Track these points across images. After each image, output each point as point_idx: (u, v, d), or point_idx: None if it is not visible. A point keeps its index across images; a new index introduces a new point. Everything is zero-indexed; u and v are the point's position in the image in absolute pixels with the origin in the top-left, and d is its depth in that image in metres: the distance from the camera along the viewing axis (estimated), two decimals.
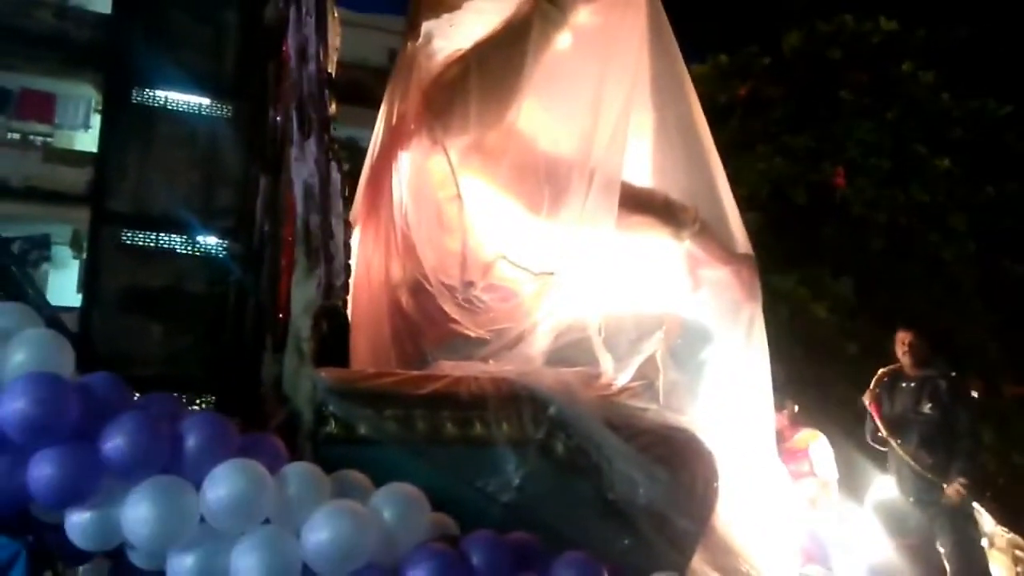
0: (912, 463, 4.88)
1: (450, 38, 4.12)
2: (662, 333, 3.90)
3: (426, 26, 4.27)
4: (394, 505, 2.81)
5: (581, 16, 4.07)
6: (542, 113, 4.12)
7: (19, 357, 2.60)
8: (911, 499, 4.97)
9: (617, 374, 3.72)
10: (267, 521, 2.67)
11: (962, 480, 4.73)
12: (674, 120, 4.20)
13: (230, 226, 3.66)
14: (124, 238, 3.62)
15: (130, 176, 3.77)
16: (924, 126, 12.67)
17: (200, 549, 2.59)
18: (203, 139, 3.68)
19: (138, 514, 2.52)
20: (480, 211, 3.94)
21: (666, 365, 3.93)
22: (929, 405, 4.94)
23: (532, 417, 3.44)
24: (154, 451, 2.58)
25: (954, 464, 4.79)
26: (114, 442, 2.52)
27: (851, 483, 6.16)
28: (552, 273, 3.82)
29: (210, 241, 3.63)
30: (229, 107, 3.68)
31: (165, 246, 3.71)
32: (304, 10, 3.69)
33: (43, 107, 18.99)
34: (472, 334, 3.82)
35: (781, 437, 6.47)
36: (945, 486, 4.78)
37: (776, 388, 5.17)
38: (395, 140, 4.13)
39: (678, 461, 3.53)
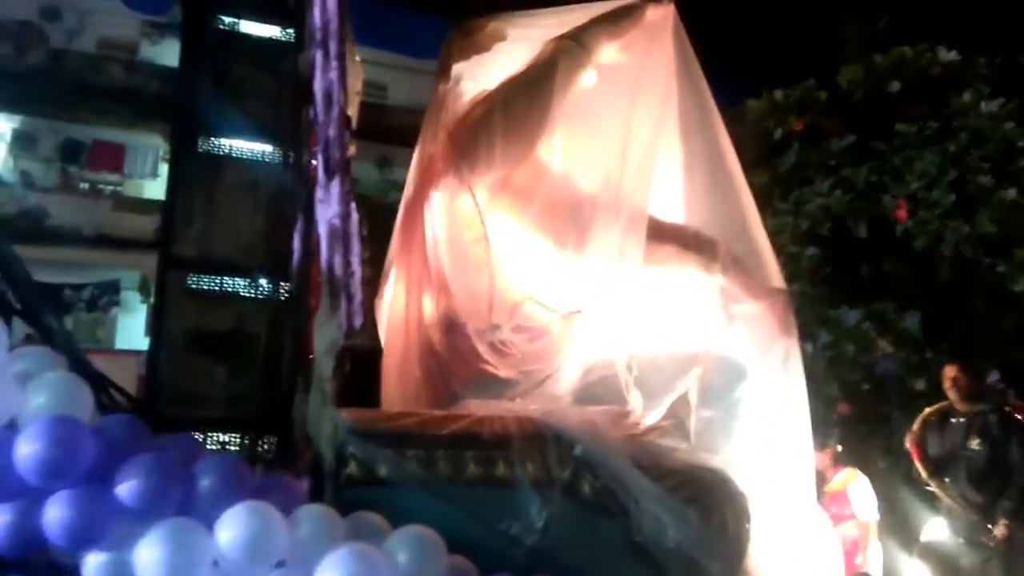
0: (959, 502, 4.69)
1: (478, 79, 4.15)
2: (699, 370, 3.84)
3: (456, 68, 4.30)
4: (409, 547, 2.79)
5: (607, 53, 4.06)
6: (571, 151, 4.11)
7: (38, 400, 2.65)
8: (962, 540, 4.77)
9: (647, 412, 3.66)
10: (282, 564, 2.68)
11: (1005, 521, 4.53)
12: (702, 155, 4.15)
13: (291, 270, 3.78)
14: (190, 282, 3.74)
15: (196, 222, 3.90)
16: (988, 157, 12.40)
17: None
18: (265, 185, 3.80)
19: (151, 557, 2.53)
20: (508, 251, 3.92)
21: (699, 403, 3.85)
22: (977, 441, 4.77)
23: (557, 457, 3.39)
24: (167, 493, 2.60)
25: (1001, 502, 4.59)
26: (127, 484, 2.55)
27: (909, 524, 5.96)
28: (580, 312, 3.78)
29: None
30: (290, 154, 3.78)
31: (229, 290, 3.80)
32: (331, 55, 3.76)
33: (113, 157, 19.69)
34: (502, 375, 3.79)
35: (823, 478, 6.31)
36: (990, 526, 4.58)
37: (821, 426, 5.04)
38: (426, 181, 4.16)
39: (709, 502, 3.44)
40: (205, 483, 2.67)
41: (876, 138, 13.10)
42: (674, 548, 3.35)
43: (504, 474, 3.34)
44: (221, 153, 3.94)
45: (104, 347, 19.14)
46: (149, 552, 2.53)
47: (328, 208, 3.47)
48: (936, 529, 5.12)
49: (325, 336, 3.33)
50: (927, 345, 11.68)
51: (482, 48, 4.31)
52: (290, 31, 3.92)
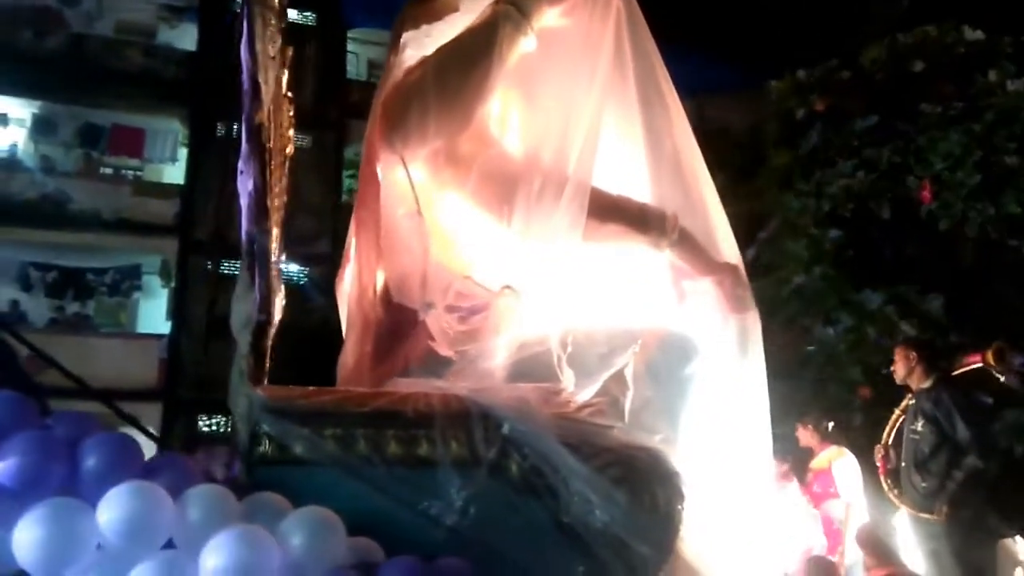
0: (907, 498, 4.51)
1: (424, 48, 4.03)
2: (637, 347, 3.71)
3: (404, 37, 4.19)
4: (305, 529, 2.70)
5: (548, 18, 3.91)
6: (511, 120, 3.99)
7: None
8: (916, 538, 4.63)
9: (580, 390, 3.54)
10: (171, 545, 2.61)
11: (946, 510, 4.35)
12: (654, 127, 4.00)
13: (311, 253, 3.74)
14: (210, 266, 3.70)
15: (215, 206, 3.89)
16: (1014, 136, 12.10)
17: (99, 574, 2.53)
18: (301, 171, 3.74)
19: (31, 537, 2.47)
20: (447, 227, 3.81)
21: (639, 381, 3.73)
22: (921, 423, 4.59)
23: (483, 436, 3.29)
24: (47, 472, 2.54)
25: (947, 485, 4.42)
26: (5, 462, 2.49)
27: None
28: (516, 289, 3.66)
29: (292, 268, 3.67)
30: (308, 137, 3.71)
31: None
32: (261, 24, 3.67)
33: (133, 142, 19.84)
34: (442, 353, 3.70)
35: (810, 455, 6.17)
36: (933, 516, 4.42)
37: (843, 410, 4.89)
38: (370, 155, 4.06)
39: (639, 483, 3.32)
40: (91, 462, 2.60)
41: (900, 118, 12.87)
42: (602, 529, 3.25)
43: (426, 453, 3.25)
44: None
45: (126, 331, 19.41)
46: (28, 532, 2.47)
47: (248, 179, 3.38)
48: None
49: (241, 311, 3.25)
50: (950, 328, 11.46)
51: (433, 17, 4.18)
52: (309, 14, 3.86)
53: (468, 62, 3.76)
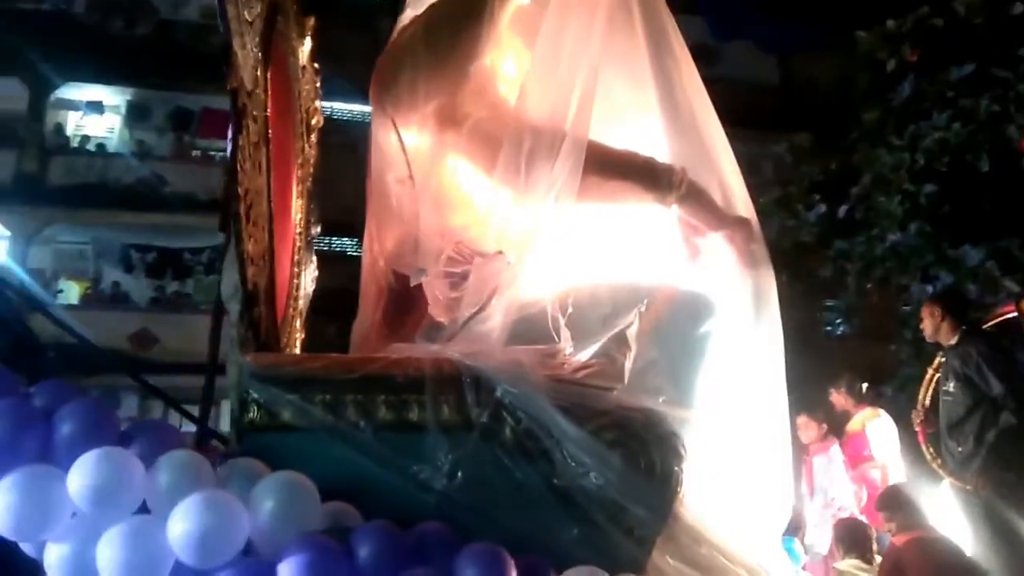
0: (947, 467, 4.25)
1: (416, 5, 3.96)
2: (643, 307, 3.59)
3: None
4: (278, 494, 2.71)
5: None
6: (510, 76, 3.89)
7: None
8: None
9: (578, 351, 3.45)
10: (145, 510, 2.66)
11: (981, 475, 4.05)
12: (662, 80, 3.85)
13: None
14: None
15: None
16: None
17: (74, 539, 2.60)
18: (364, 145, 3.82)
19: (4, 504, 2.55)
20: (438, 192, 3.75)
21: (644, 341, 3.61)
22: (952, 383, 4.29)
23: (475, 399, 3.25)
24: (22, 440, 2.61)
25: (978, 454, 4.11)
26: None
27: None
28: (508, 253, 3.58)
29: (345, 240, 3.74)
30: None
31: (337, 249, 3.86)
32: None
33: (222, 124, 20.36)
34: (439, 319, 3.66)
35: (845, 417, 5.92)
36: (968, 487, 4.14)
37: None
38: (375, 120, 4.03)
39: (634, 445, 3.22)
40: (65, 430, 2.66)
41: (998, 65, 12.24)
42: (597, 493, 3.17)
43: (417, 418, 3.22)
44: (323, 115, 4.16)
45: None
46: (2, 499, 2.55)
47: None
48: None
49: (229, 280, 3.28)
50: None
51: None
52: None
53: (459, 18, 3.67)
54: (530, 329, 3.50)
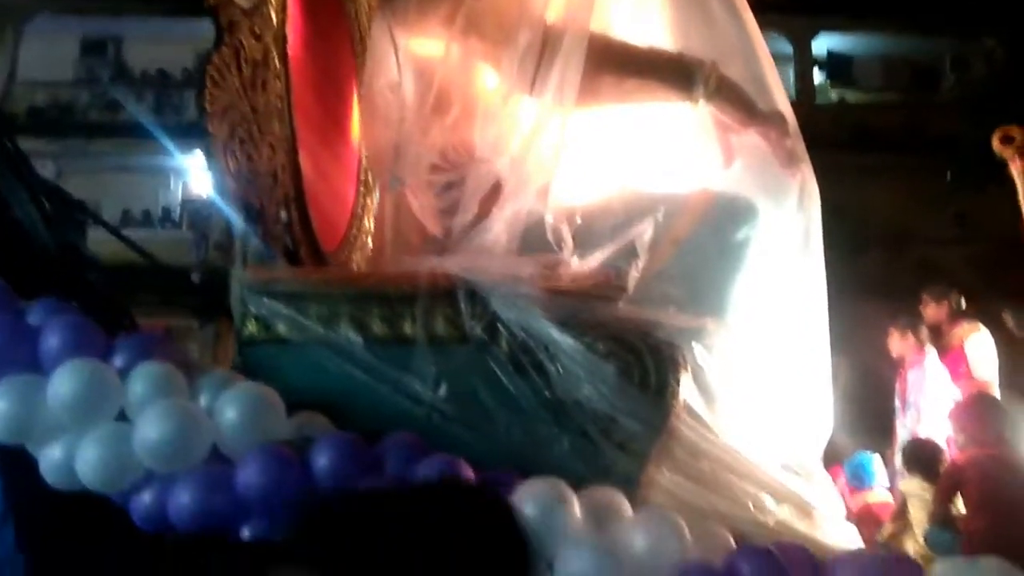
0: None
1: None
2: (660, 215, 3.40)
3: None
4: (240, 405, 2.76)
5: None
6: None
7: None
8: None
9: (584, 262, 3.31)
10: (123, 418, 2.78)
11: None
12: None
13: None
14: None
15: None
16: None
17: (58, 443, 2.75)
18: None
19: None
20: (429, 97, 3.62)
21: (673, 249, 3.44)
22: None
23: (471, 312, 3.19)
24: (13, 351, 2.77)
25: None
26: None
27: None
28: (497, 159, 3.44)
29: None
30: None
31: None
32: None
33: None
34: (431, 231, 3.60)
35: (938, 333, 5.43)
36: None
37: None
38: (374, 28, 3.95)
39: (629, 358, 3.09)
40: (52, 342, 2.80)
41: None
42: (590, 406, 3.07)
43: (411, 332, 3.20)
44: None
45: None
46: None
47: None
48: None
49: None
50: None
51: None
52: None
53: None
54: (534, 240, 3.40)
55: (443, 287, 3.22)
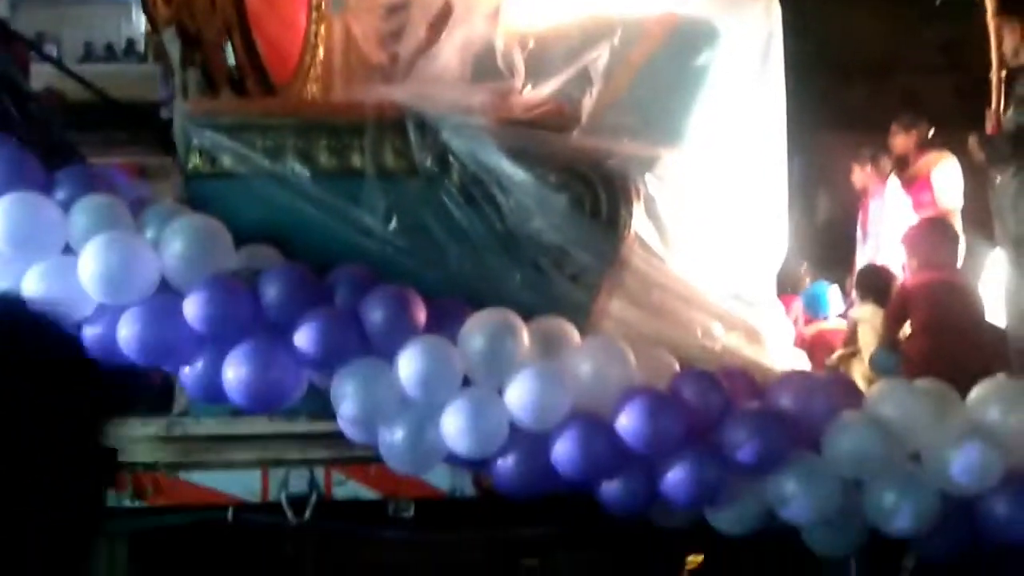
0: None
1: None
2: (616, 40, 3.29)
3: None
4: (185, 236, 2.73)
5: None
6: None
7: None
8: None
9: (536, 89, 3.23)
10: (69, 250, 2.75)
11: None
12: None
13: None
14: None
15: None
16: None
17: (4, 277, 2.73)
18: None
19: None
20: None
21: (631, 76, 3.35)
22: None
23: (420, 144, 3.13)
24: None
25: None
26: None
27: None
28: None
29: None
30: None
31: None
32: None
33: None
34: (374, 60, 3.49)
35: (905, 163, 5.42)
36: None
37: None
38: None
39: (581, 188, 3.05)
40: None
41: None
42: (541, 238, 3.06)
43: (360, 164, 3.14)
44: None
45: None
46: None
47: None
48: None
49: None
50: None
51: None
52: None
53: None
54: (484, 67, 3.30)
55: (392, 117, 3.13)
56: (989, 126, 4.05)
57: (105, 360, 2.75)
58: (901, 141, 5.40)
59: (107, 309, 2.70)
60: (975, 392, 2.70)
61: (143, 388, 3.34)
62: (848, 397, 2.69)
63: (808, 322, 5.54)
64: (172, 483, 2.91)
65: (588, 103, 3.22)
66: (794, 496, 2.52)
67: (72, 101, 4.85)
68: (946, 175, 5.16)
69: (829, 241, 6.90)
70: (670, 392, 2.60)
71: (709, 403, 2.57)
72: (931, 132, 5.40)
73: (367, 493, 2.92)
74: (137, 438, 2.96)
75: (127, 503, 2.88)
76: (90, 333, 2.72)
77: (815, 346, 5.08)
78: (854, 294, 4.99)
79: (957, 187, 5.12)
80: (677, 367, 2.74)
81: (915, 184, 5.30)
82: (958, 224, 5.03)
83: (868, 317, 4.49)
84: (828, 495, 2.54)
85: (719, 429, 2.55)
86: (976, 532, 2.61)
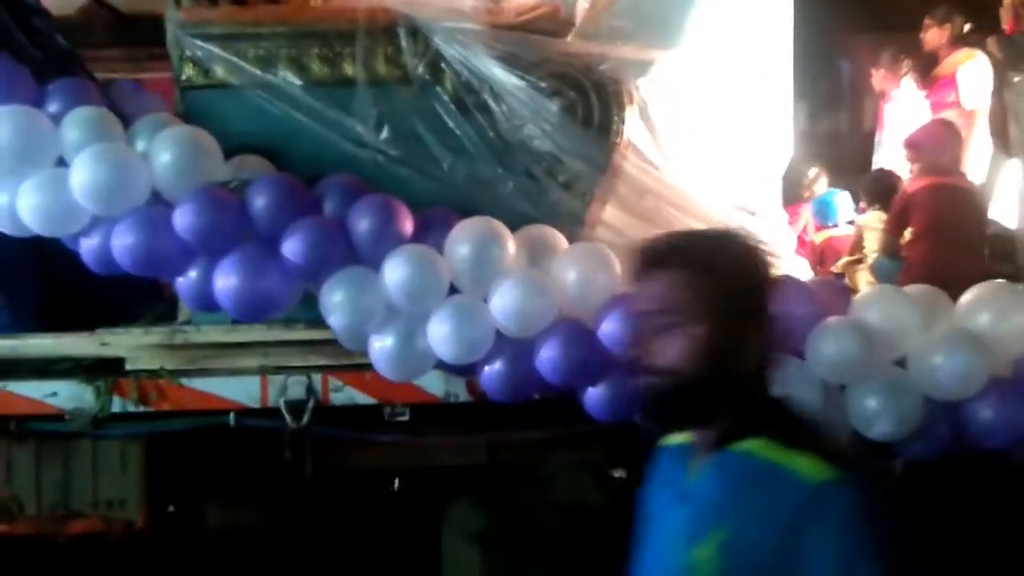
0: None
1: None
2: None
3: None
4: (174, 147, 2.75)
5: None
6: None
7: None
8: None
9: None
10: (62, 163, 2.78)
11: None
12: None
13: None
14: None
15: None
16: None
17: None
18: None
19: None
20: None
21: None
22: None
23: (413, 51, 3.10)
24: None
25: None
26: None
27: None
28: None
29: None
30: None
31: None
32: None
33: None
34: None
35: (934, 60, 5.23)
36: None
37: None
38: None
39: (571, 95, 3.02)
40: None
41: None
42: (533, 145, 3.05)
43: (352, 72, 3.12)
44: None
45: None
46: None
47: None
48: None
49: None
50: None
51: None
52: None
53: None
54: None
55: (383, 24, 3.10)
56: (1004, 23, 3.91)
57: (102, 271, 2.82)
58: (934, 35, 5.16)
59: (102, 220, 2.75)
60: (965, 297, 2.69)
61: (155, 298, 3.46)
62: (835, 303, 2.69)
63: (819, 229, 5.47)
64: (175, 389, 3.00)
65: (583, 6, 3.15)
66: None
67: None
68: (973, 74, 4.95)
69: (854, 146, 6.77)
70: None
71: None
72: (967, 27, 5.14)
73: (363, 399, 3.00)
74: (141, 346, 3.05)
75: (131, 408, 2.99)
76: (86, 245, 2.78)
77: (825, 253, 5.03)
78: (863, 200, 4.91)
79: (984, 88, 4.92)
80: None
81: (939, 83, 5.10)
82: (983, 126, 4.87)
83: (875, 223, 4.42)
84: (810, 400, 2.56)
85: None
86: (960, 437, 2.63)
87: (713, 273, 1.38)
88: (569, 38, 3.16)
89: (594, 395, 2.64)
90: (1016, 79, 3.79)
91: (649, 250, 1.42)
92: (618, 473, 3.42)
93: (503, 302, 2.61)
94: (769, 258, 1.48)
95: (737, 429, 1.37)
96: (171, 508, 3.33)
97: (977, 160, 4.82)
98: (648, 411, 1.44)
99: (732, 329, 1.38)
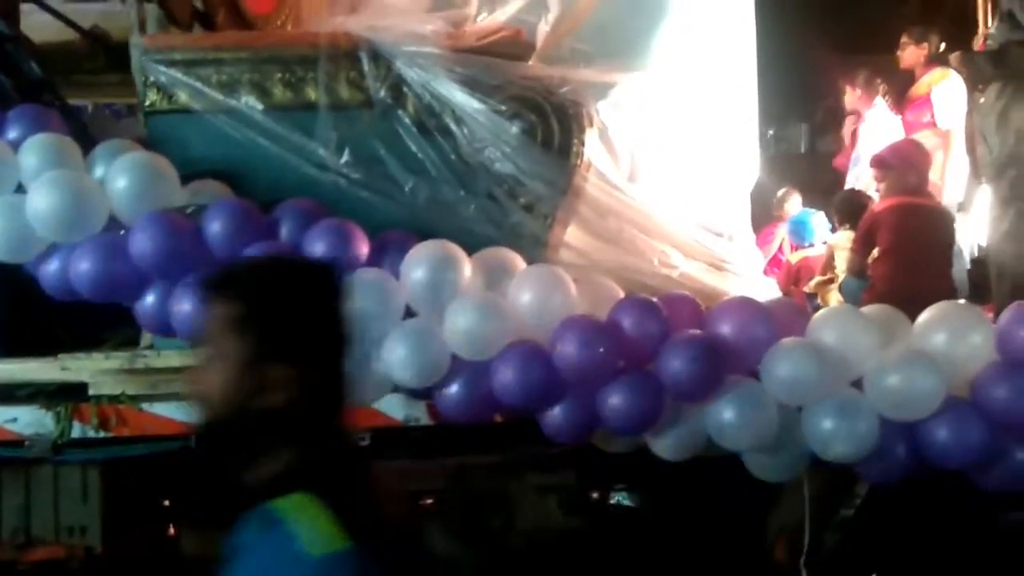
0: None
1: None
2: None
3: None
4: (129, 172, 2.76)
5: None
6: None
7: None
8: None
9: (490, 17, 3.19)
10: (21, 190, 2.79)
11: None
12: None
13: None
14: None
15: None
16: None
17: None
18: None
19: None
20: None
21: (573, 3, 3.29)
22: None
23: (374, 75, 3.12)
24: None
25: None
26: None
27: None
28: None
29: None
30: None
31: None
32: None
33: None
34: None
35: (909, 81, 5.26)
36: None
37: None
38: None
39: (532, 118, 3.04)
40: None
41: None
42: (496, 168, 3.06)
43: (314, 96, 3.14)
44: None
45: None
46: None
47: None
48: None
49: None
50: None
51: None
52: None
53: None
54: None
55: (345, 48, 3.12)
56: (976, 43, 3.92)
57: (62, 297, 2.81)
58: (911, 54, 5.17)
59: (60, 247, 2.75)
60: (922, 318, 2.68)
61: (124, 323, 3.44)
62: (793, 323, 2.68)
63: (795, 249, 5.48)
64: (135, 415, 2.99)
65: (544, 29, 3.17)
66: (731, 423, 2.54)
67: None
68: (947, 94, 4.97)
69: (825, 166, 6.81)
70: (608, 320, 2.61)
71: (647, 331, 2.57)
72: (942, 46, 5.15)
73: None
74: (103, 371, 3.04)
75: (91, 433, 2.97)
76: (45, 271, 2.78)
77: (800, 273, 5.03)
78: (835, 220, 4.91)
79: (958, 107, 4.94)
80: (621, 295, 2.74)
81: (914, 103, 5.12)
82: (959, 146, 4.89)
83: (845, 243, 4.42)
84: (765, 422, 2.55)
85: (656, 357, 2.56)
86: (917, 458, 2.61)
87: (255, 305, 1.29)
88: (531, 61, 3.20)
89: (552, 417, 2.63)
90: (981, 100, 3.80)
91: (208, 278, 1.36)
92: (594, 495, 3.42)
93: (458, 325, 2.61)
94: (343, 291, 1.37)
95: (281, 479, 1.25)
96: (132, 534, 3.31)
97: (954, 181, 4.85)
98: (198, 446, 1.36)
99: (268, 366, 1.27)
